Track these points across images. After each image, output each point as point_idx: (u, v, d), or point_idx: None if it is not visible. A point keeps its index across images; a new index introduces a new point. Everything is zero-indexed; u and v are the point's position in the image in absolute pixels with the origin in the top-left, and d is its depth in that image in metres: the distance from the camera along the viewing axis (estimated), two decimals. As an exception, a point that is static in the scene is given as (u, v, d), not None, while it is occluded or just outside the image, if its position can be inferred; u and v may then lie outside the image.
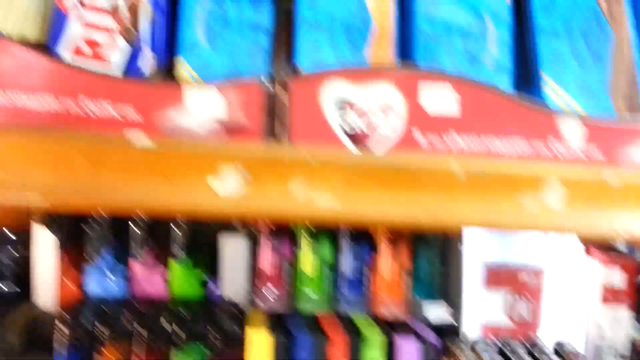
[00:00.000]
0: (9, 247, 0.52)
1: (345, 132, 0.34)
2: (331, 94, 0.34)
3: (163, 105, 0.33)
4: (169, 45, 0.46)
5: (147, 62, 0.43)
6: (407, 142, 0.34)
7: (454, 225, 0.34)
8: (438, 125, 0.34)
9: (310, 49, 0.43)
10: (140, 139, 0.32)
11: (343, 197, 0.33)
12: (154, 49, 0.44)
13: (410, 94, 0.34)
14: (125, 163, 0.32)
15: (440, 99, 0.34)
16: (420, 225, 0.34)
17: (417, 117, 0.34)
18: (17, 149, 0.31)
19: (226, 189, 0.32)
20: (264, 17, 0.47)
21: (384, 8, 0.44)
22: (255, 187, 0.32)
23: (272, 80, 0.34)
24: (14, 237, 0.53)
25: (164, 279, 0.52)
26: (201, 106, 0.34)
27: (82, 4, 0.43)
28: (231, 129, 0.34)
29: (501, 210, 0.33)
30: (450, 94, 0.34)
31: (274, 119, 0.34)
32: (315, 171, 0.32)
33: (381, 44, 0.43)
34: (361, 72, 0.34)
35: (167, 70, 0.46)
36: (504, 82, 0.43)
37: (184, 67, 0.45)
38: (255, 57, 0.47)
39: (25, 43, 0.33)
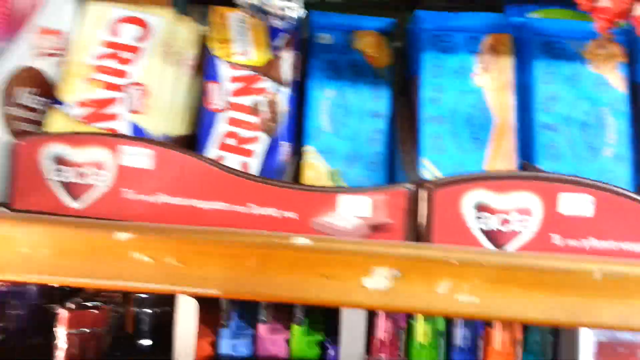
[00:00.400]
0: (149, 307, 0.58)
1: (484, 234, 0.37)
2: (471, 199, 0.37)
3: (319, 207, 0.38)
4: (294, 131, 0.51)
5: (284, 152, 0.48)
6: (544, 244, 0.37)
7: (592, 326, 0.35)
8: (575, 228, 0.36)
9: (434, 142, 0.46)
10: (300, 239, 0.36)
11: (484, 295, 0.35)
12: (287, 138, 0.49)
13: (549, 200, 0.36)
14: (288, 260, 0.36)
15: (578, 204, 0.36)
16: (558, 325, 0.36)
17: (555, 220, 0.36)
18: (197, 247, 0.37)
19: (376, 285, 0.35)
20: (382, 104, 0.51)
21: (504, 102, 0.47)
22: (402, 284, 0.35)
23: (416, 185, 0.38)
24: (150, 297, 0.59)
25: (285, 341, 0.56)
26: (351, 208, 0.38)
27: (228, 104, 0.48)
28: (376, 228, 0.38)
29: (637, 312, 0.35)
30: (588, 199, 0.36)
31: (416, 221, 0.38)
32: (457, 270, 0.35)
33: (502, 136, 0.46)
34: (502, 180, 0.37)
35: (294, 156, 0.51)
36: (624, 171, 0.45)
37: (310, 153, 0.50)
38: (374, 141, 0.51)
39: (206, 159, 0.38)
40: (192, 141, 0.49)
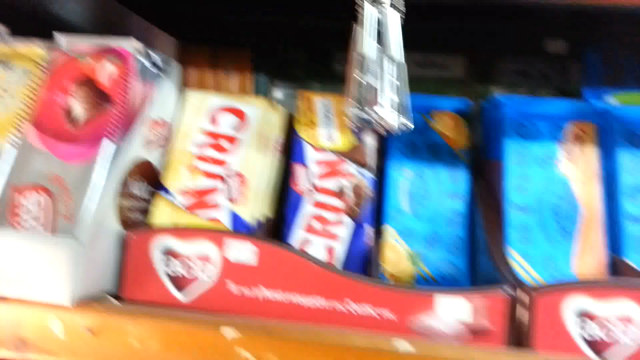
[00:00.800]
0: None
1: (585, 342, 0.37)
2: (573, 306, 0.37)
3: (416, 308, 0.38)
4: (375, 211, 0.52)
5: (368, 236, 0.49)
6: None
7: None
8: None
9: (521, 233, 0.47)
10: (402, 344, 0.36)
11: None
12: (370, 221, 0.50)
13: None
14: (387, 363, 0.37)
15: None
16: None
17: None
18: (298, 346, 0.37)
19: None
20: (461, 186, 0.52)
21: (591, 193, 0.47)
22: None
23: (515, 290, 0.38)
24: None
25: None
26: (449, 310, 0.38)
27: (314, 187, 0.50)
28: (476, 333, 0.38)
29: None
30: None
31: (516, 326, 0.38)
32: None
33: (590, 229, 0.46)
34: (603, 288, 0.37)
35: (376, 237, 0.52)
36: None
37: (390, 234, 0.51)
38: (454, 223, 0.52)
39: (307, 255, 0.40)
40: (277, 220, 0.51)
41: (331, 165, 0.51)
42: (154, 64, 0.46)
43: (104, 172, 0.39)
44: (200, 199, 0.45)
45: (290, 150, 0.52)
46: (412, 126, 0.37)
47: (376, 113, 0.35)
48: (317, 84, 0.64)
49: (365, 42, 0.36)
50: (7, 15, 0.56)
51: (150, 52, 0.45)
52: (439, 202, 0.52)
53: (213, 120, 0.48)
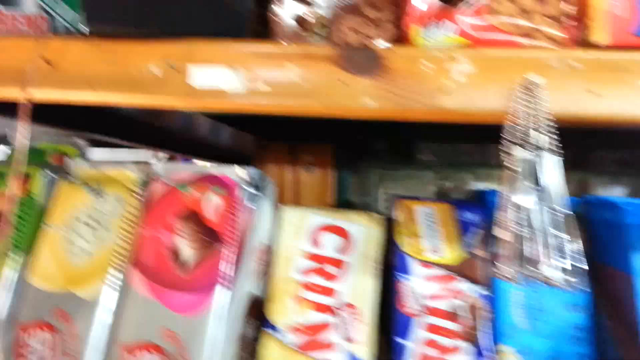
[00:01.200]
0: None
1: None
2: None
3: None
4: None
5: (489, 364, 0.44)
6: None
7: None
8: None
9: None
10: None
11: None
12: (489, 346, 0.45)
13: None
14: None
15: None
16: None
17: None
18: None
19: None
20: (579, 296, 0.47)
21: None
22: None
23: None
24: None
25: None
26: None
27: (424, 308, 0.45)
28: None
29: None
30: None
31: None
32: None
33: None
34: None
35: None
36: None
37: (507, 353, 0.46)
38: (576, 339, 0.46)
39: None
40: (383, 345, 0.46)
41: (441, 282, 0.46)
42: (254, 186, 0.42)
43: (221, 323, 0.35)
44: (312, 337, 0.40)
45: (392, 264, 0.48)
46: (586, 286, 0.33)
47: (539, 272, 0.31)
48: (401, 172, 0.60)
49: (522, 191, 0.32)
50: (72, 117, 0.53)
51: (253, 176, 0.42)
52: (558, 315, 0.47)
53: (315, 242, 0.44)
